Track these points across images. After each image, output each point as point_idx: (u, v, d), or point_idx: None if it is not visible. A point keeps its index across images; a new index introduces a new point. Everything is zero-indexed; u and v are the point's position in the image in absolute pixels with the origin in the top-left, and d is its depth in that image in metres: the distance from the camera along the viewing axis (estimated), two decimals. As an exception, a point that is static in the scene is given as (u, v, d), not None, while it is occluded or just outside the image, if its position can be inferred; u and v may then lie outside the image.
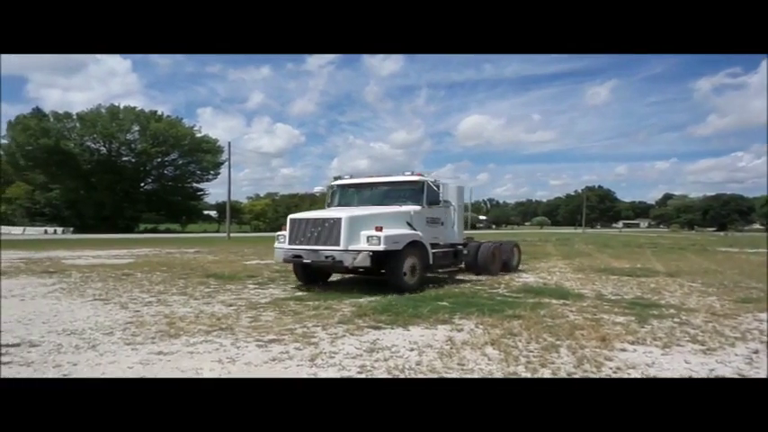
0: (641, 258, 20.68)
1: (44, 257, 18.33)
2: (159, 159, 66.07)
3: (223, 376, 4.71)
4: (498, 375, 4.78)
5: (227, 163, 52.11)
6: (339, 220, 9.87)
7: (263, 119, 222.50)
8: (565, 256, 22.13)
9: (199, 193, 72.97)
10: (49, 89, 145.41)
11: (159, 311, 7.88)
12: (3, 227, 53.81)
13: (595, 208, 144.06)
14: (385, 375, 4.74)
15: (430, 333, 6.52)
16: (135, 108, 65.04)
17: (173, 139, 63.88)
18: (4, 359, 5.14)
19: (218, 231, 67.70)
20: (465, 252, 12.89)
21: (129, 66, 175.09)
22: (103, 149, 63.47)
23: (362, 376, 4.74)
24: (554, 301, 9.12)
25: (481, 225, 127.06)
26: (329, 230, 9.92)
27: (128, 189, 64.24)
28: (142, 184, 68.20)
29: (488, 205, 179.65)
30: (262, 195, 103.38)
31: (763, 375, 4.88)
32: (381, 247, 9.51)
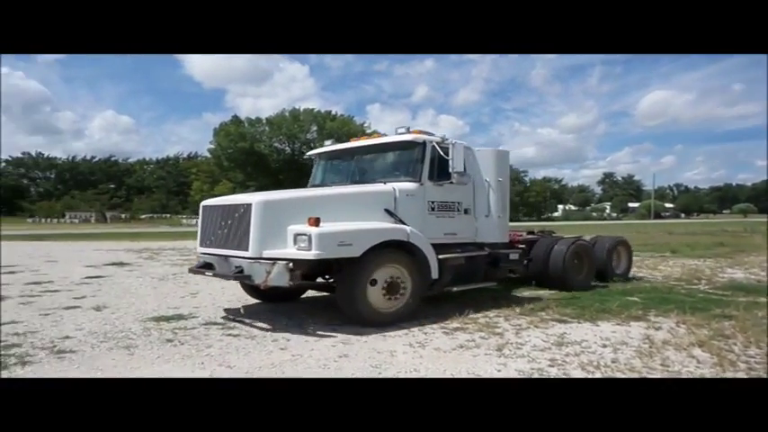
0: None
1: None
2: (335, 156, 71.33)
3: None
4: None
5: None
6: (248, 207, 6.20)
7: (427, 111, 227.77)
8: (781, 248, 18.86)
9: (370, 186, 77.09)
10: (243, 98, 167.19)
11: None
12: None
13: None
14: (578, 371, 4.57)
15: (623, 330, 6.10)
16: (313, 109, 71.13)
17: (346, 137, 68.43)
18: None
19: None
20: (513, 257, 8.33)
21: (306, 71, 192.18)
22: (288, 149, 70.49)
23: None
24: (774, 301, 7.87)
25: (667, 214, 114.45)
26: (238, 225, 6.30)
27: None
28: (322, 180, 74.28)
29: (675, 191, 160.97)
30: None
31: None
32: (312, 254, 5.66)
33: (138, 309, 7.54)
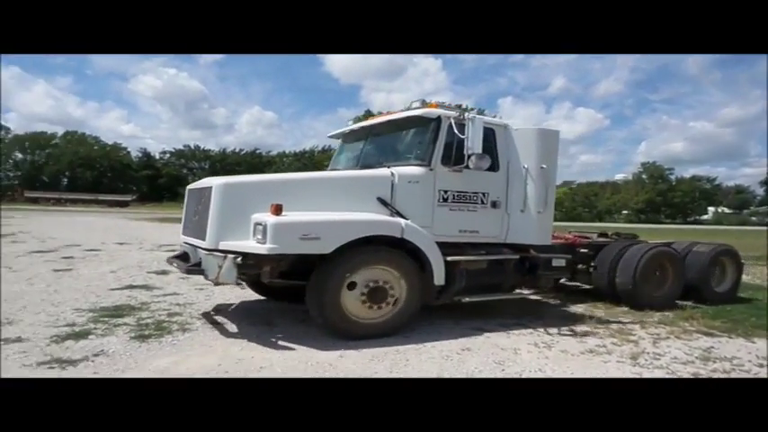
0: None
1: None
2: (462, 150, 71.10)
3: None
4: None
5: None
6: (209, 191, 5.42)
7: (563, 104, 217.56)
8: None
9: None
10: (377, 93, 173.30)
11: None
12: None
13: None
14: (727, 389, 4.15)
15: (785, 349, 5.39)
16: (444, 103, 71.40)
17: (474, 131, 67.85)
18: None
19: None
20: (557, 263, 6.72)
21: (439, 65, 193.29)
22: (416, 144, 71.55)
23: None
24: None
25: None
26: (204, 211, 5.48)
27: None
28: (446, 174, 74.46)
29: None
30: (558, 184, 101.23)
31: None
32: (265, 248, 4.78)
33: (276, 289, 8.20)
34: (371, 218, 5.44)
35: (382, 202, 5.64)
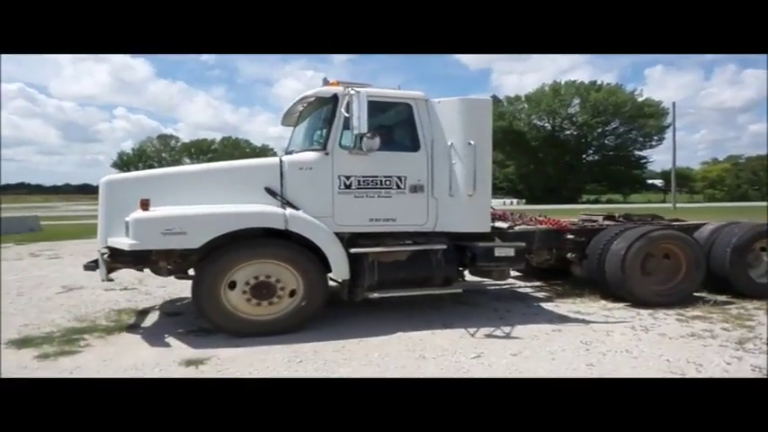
0: None
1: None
2: (600, 130, 66.49)
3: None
4: None
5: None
6: (98, 188, 5.52)
7: (725, 67, 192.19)
8: None
9: (642, 161, 69.67)
10: (508, 75, 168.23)
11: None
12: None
13: None
14: (842, 377, 3.85)
15: None
16: (575, 82, 67.42)
17: (612, 108, 63.17)
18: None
19: (663, 201, 63.30)
20: (501, 253, 5.72)
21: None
22: (548, 125, 68.55)
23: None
24: None
25: None
26: None
27: (571, 161, 67.64)
28: (584, 156, 70.18)
29: None
30: (720, 159, 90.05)
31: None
32: (126, 244, 4.73)
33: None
34: (246, 209, 5.10)
35: (270, 192, 5.30)
